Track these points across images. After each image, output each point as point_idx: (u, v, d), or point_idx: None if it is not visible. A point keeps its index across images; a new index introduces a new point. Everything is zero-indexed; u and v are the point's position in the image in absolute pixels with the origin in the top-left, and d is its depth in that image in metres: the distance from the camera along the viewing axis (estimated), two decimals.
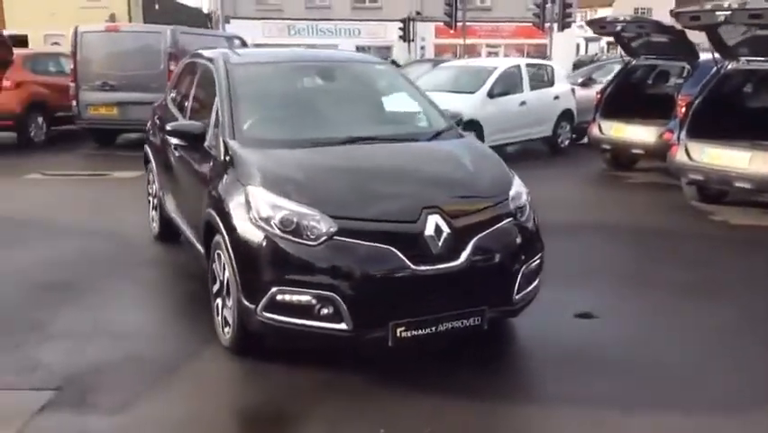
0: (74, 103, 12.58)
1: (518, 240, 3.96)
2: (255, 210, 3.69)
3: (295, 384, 3.75)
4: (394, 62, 15.58)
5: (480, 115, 11.21)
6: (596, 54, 26.55)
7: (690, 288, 5.37)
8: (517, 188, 4.18)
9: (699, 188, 8.42)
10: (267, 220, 3.63)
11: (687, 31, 8.95)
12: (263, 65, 5.21)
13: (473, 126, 11.10)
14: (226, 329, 4.05)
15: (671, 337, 4.46)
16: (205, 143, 4.51)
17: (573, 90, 13.25)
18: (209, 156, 4.43)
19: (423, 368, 3.97)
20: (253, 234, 3.66)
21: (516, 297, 3.95)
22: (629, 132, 10.07)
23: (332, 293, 3.52)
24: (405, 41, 32.76)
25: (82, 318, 4.65)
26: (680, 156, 8.08)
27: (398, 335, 3.58)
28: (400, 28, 32.14)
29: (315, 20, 34.94)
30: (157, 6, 41.04)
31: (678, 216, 7.97)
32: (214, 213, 4.03)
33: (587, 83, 14.26)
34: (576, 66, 29.23)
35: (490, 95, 11.52)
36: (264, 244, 3.61)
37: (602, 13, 51.83)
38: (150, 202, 6.57)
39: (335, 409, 3.53)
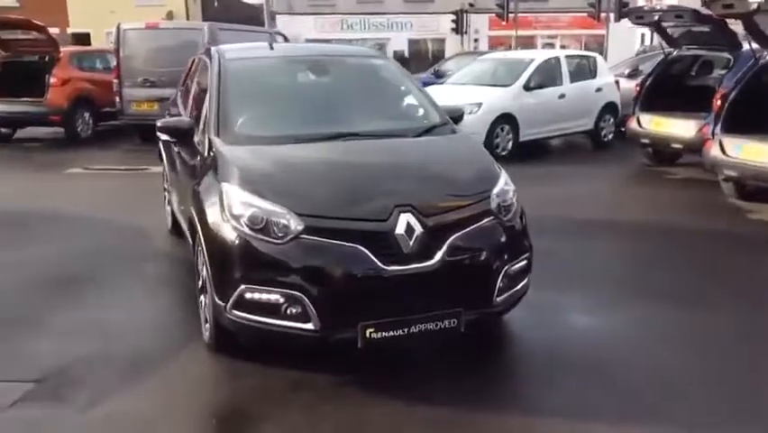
0: (117, 99, 12.87)
1: (500, 239, 3.83)
2: (227, 208, 3.66)
3: (265, 384, 3.72)
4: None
5: (514, 108, 11.01)
6: (645, 46, 25.67)
7: (704, 294, 5.11)
8: (503, 185, 4.04)
9: (738, 184, 8.03)
10: (237, 218, 3.60)
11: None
12: (258, 60, 5.19)
13: (508, 120, 10.94)
14: (206, 326, 4.05)
15: (674, 346, 4.24)
16: (195, 139, 4.51)
17: (617, 82, 12.85)
18: (197, 152, 4.43)
19: (399, 370, 3.89)
20: (224, 232, 3.64)
21: (498, 299, 3.82)
22: (668, 125, 9.67)
23: (298, 293, 3.46)
24: (457, 33, 32.41)
25: (80, 313, 4.73)
26: (714, 151, 7.73)
27: (368, 336, 3.50)
28: (453, 20, 31.79)
29: (367, 14, 34.92)
30: (216, 3, 41.75)
31: (712, 214, 7.62)
32: (193, 210, 4.03)
33: (633, 74, 13.79)
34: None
35: (527, 87, 11.27)
36: (233, 241, 3.58)
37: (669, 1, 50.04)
38: (165, 198, 6.66)
39: (299, 411, 3.47)
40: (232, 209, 3.64)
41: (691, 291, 5.14)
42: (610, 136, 12.74)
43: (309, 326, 3.49)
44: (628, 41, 30.41)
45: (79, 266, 5.70)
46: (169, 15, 34.63)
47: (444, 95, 11.56)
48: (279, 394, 3.62)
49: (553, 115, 11.59)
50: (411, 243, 3.55)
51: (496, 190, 3.96)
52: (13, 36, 13.61)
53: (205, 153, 4.23)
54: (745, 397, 3.64)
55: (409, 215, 3.58)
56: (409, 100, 4.91)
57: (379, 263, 3.48)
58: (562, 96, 11.73)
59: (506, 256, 3.84)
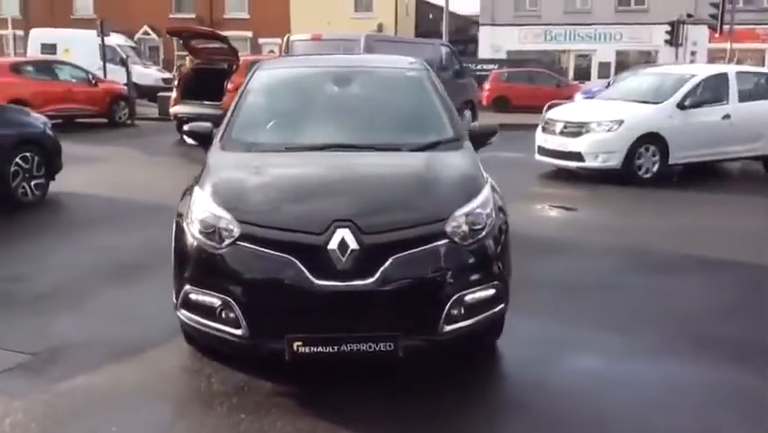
0: None
1: (451, 264, 3.60)
2: (191, 211, 3.83)
3: (210, 386, 3.83)
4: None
5: (663, 127, 10.13)
6: None
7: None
8: (474, 207, 3.77)
9: None
10: (194, 222, 3.76)
11: None
12: (288, 70, 5.33)
13: (654, 140, 10.08)
14: None
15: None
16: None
17: None
18: None
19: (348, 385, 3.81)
20: (183, 234, 3.80)
21: (447, 327, 3.59)
22: None
23: (230, 298, 3.53)
24: (672, 45, 30.25)
25: (117, 298, 5.19)
26: None
27: (295, 349, 3.47)
28: (667, 31, 29.72)
29: (573, 24, 33.80)
30: (431, 16, 42.88)
31: None
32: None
33: None
34: None
35: (681, 106, 10.30)
36: (185, 243, 3.75)
37: None
38: None
39: (229, 419, 3.52)
40: (193, 213, 3.80)
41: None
42: None
43: (239, 332, 3.54)
44: None
45: (155, 256, 6.19)
46: (379, 28, 36.12)
47: (581, 111, 10.99)
48: (220, 397, 3.69)
49: (714, 137, 10.48)
50: (344, 259, 3.46)
51: (461, 212, 3.71)
52: (203, 45, 15.10)
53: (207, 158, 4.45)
54: None
55: (347, 231, 3.50)
56: (426, 114, 4.76)
57: (310, 277, 3.44)
58: (726, 116, 10.56)
59: (459, 283, 3.61)
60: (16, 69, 16.32)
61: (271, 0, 37.67)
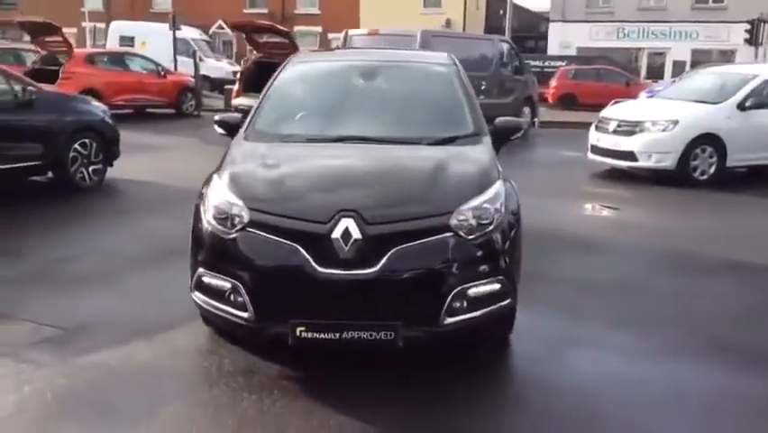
0: None
1: (454, 257, 3.63)
2: (208, 199, 3.98)
3: (221, 366, 3.98)
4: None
5: (721, 128, 9.82)
6: None
7: None
8: (482, 201, 3.78)
9: None
10: (210, 208, 3.90)
11: None
12: (317, 64, 5.44)
13: (711, 141, 9.78)
14: None
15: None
16: None
17: None
18: None
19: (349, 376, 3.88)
20: (198, 219, 3.96)
21: (448, 320, 3.62)
22: None
23: (238, 282, 3.65)
24: (751, 44, 29.08)
25: (147, 282, 5.41)
26: None
27: (298, 334, 3.57)
28: (747, 30, 28.60)
29: (647, 22, 32.85)
30: (501, 12, 42.45)
31: None
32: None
33: None
34: None
35: (741, 107, 9.95)
36: (201, 227, 3.89)
37: None
38: None
39: (232, 398, 3.65)
40: (209, 200, 3.95)
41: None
42: None
43: (246, 315, 3.66)
44: None
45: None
46: (447, 23, 36.00)
47: (636, 109, 10.73)
48: (228, 378, 3.84)
49: None
50: (347, 248, 3.54)
51: (468, 206, 3.73)
52: (266, 39, 15.41)
53: None
54: None
55: (351, 220, 3.57)
56: (448, 109, 4.77)
57: (314, 264, 3.53)
58: None
59: (462, 276, 3.63)
60: (91, 60, 17.02)
61: None
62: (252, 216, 3.69)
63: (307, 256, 3.55)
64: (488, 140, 4.53)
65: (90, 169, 8.62)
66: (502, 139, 4.80)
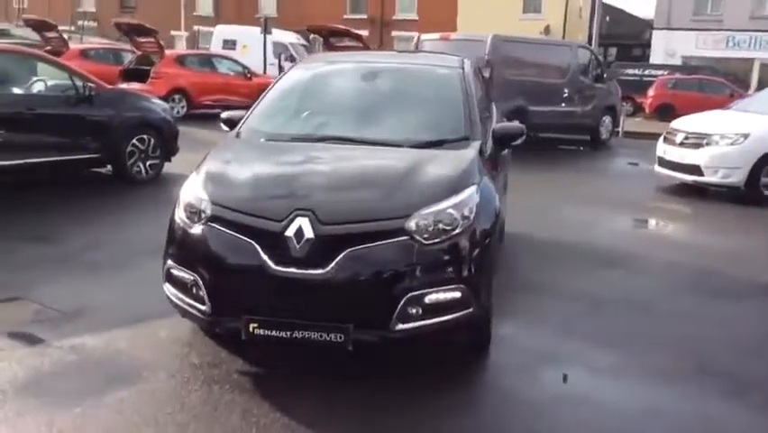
0: None
1: (408, 261, 3.56)
2: (182, 193, 4.08)
3: (194, 357, 4.07)
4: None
5: None
6: None
7: None
8: (446, 206, 3.68)
9: None
10: (182, 203, 4.00)
11: None
12: (322, 66, 5.46)
13: None
14: None
15: None
16: None
17: None
18: None
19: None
20: (173, 213, 4.07)
21: (400, 326, 3.56)
22: None
23: (197, 275, 3.73)
24: None
25: (154, 272, 5.49)
26: None
27: (251, 330, 3.60)
28: None
29: (760, 31, 30.92)
30: (608, 18, 41.20)
31: None
32: None
33: None
34: None
35: None
36: (172, 221, 4.01)
37: None
38: None
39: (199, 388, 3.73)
40: (183, 195, 4.05)
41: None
42: None
43: (203, 308, 3.73)
44: None
45: None
46: (546, 30, 35.28)
47: (706, 121, 10.13)
48: (203, 369, 3.92)
49: None
50: (299, 246, 3.54)
51: (430, 210, 3.64)
52: (342, 43, 15.66)
53: None
54: None
55: (306, 220, 3.57)
56: (443, 112, 4.68)
57: (268, 262, 3.56)
58: None
59: (416, 281, 3.56)
60: (181, 61, 17.81)
61: (440, 1, 37.98)
62: (214, 211, 3.76)
63: (262, 253, 3.57)
64: (476, 144, 4.40)
65: (147, 163, 8.99)
66: (503, 144, 4.68)
